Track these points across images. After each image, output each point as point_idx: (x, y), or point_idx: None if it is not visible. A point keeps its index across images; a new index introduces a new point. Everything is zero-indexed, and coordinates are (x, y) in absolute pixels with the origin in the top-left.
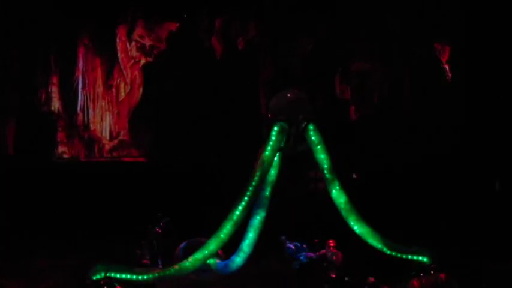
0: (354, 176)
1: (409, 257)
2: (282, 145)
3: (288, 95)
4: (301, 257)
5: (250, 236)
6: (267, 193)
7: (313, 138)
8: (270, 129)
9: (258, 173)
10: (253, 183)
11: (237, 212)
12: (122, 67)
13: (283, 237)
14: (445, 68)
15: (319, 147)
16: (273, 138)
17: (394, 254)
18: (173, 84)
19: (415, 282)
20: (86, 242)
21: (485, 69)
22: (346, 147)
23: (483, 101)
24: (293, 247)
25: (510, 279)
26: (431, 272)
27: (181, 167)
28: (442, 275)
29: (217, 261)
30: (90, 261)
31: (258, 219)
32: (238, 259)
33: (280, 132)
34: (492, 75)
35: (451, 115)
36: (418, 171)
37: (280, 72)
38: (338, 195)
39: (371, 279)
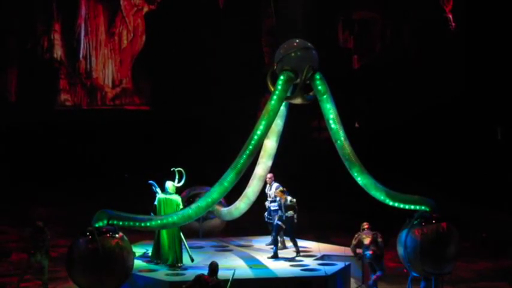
0: (356, 125)
1: (412, 206)
2: (288, 94)
3: (295, 44)
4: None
5: (255, 184)
6: (274, 143)
7: (319, 87)
8: (276, 78)
9: (263, 122)
10: (258, 132)
11: (241, 161)
12: (124, 15)
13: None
14: (449, 17)
15: (325, 96)
16: (279, 87)
17: (396, 204)
18: (176, 32)
19: (417, 232)
20: (87, 191)
21: (486, 18)
22: (349, 96)
23: (484, 49)
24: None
25: (510, 228)
26: (433, 221)
27: (184, 115)
28: (444, 224)
29: (220, 208)
30: (91, 210)
31: (263, 168)
32: (243, 205)
33: (287, 81)
34: (493, 24)
35: (452, 63)
36: (420, 121)
37: (283, 21)
38: (343, 145)
39: (365, 224)
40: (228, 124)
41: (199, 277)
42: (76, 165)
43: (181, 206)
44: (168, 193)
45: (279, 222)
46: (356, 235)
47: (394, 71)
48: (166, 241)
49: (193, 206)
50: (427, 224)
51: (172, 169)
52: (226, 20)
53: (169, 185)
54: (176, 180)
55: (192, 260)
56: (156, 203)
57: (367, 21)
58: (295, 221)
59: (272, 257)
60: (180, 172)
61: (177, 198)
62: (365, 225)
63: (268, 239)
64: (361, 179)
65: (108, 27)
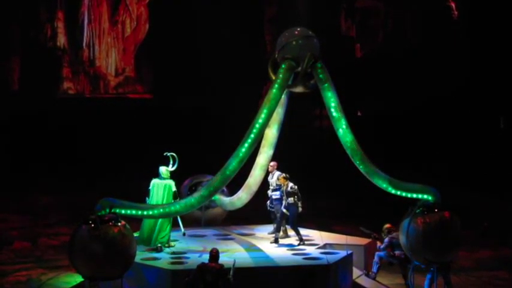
0: (359, 113)
1: (414, 195)
2: (289, 83)
3: (296, 32)
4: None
5: (257, 174)
6: (275, 131)
7: (320, 76)
8: (277, 66)
9: (264, 111)
10: (260, 121)
11: (243, 149)
12: (127, 3)
13: None
14: (451, 5)
15: (326, 85)
16: (281, 76)
17: (399, 193)
18: (179, 20)
19: (419, 221)
20: (90, 180)
21: (489, 7)
22: (351, 84)
23: (487, 38)
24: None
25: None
26: (435, 210)
27: (186, 104)
28: (446, 213)
29: (222, 197)
30: (94, 198)
31: (265, 158)
32: (245, 195)
33: (288, 69)
34: (496, 13)
35: (455, 52)
36: (423, 109)
37: (285, 9)
38: (344, 134)
39: (387, 225)
40: (229, 112)
41: (201, 266)
42: (78, 153)
43: (173, 189)
44: (162, 178)
45: (284, 210)
46: (388, 238)
47: (396, 60)
48: (159, 223)
49: (196, 194)
50: (429, 213)
51: (165, 154)
52: (228, 9)
53: (163, 169)
54: (170, 165)
55: (184, 234)
56: (150, 187)
57: (370, 10)
58: (300, 208)
59: (274, 242)
60: (173, 157)
61: (170, 183)
62: (392, 227)
63: (270, 227)
64: (363, 167)
65: (111, 16)
